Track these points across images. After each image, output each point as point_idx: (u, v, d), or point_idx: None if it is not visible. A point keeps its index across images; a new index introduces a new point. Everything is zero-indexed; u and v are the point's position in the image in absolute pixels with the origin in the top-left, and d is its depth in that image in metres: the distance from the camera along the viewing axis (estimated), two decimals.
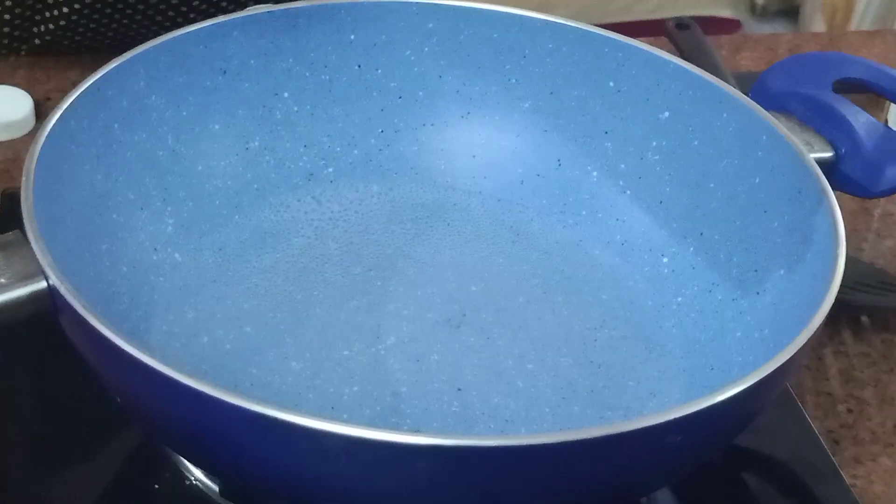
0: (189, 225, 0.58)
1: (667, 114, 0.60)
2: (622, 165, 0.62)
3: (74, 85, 0.53)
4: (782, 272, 0.54)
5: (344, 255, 0.59)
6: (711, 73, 0.59)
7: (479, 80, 0.63)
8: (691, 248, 0.59)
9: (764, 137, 0.56)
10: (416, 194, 0.63)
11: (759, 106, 0.57)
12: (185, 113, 0.59)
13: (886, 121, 0.77)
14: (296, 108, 0.62)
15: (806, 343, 0.45)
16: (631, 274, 0.60)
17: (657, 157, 0.61)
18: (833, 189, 0.53)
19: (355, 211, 0.62)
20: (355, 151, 0.63)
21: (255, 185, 0.61)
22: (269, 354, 0.54)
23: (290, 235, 0.60)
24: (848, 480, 0.55)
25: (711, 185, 0.59)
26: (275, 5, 0.61)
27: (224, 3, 0.79)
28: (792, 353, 0.44)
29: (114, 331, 0.41)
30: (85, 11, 0.77)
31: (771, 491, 0.55)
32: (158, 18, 0.79)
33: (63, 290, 0.43)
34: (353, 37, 0.62)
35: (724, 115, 0.58)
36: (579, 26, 0.61)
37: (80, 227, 0.52)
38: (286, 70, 0.61)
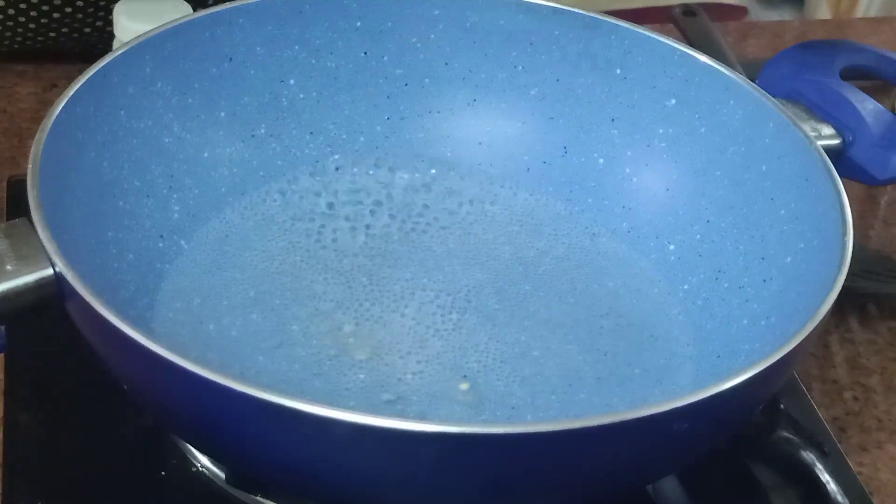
0: (195, 212, 0.58)
1: (673, 101, 0.60)
2: (628, 152, 0.62)
3: (80, 72, 0.53)
4: (789, 260, 0.53)
5: (350, 241, 0.59)
6: (718, 60, 0.59)
7: (486, 68, 0.63)
8: (698, 236, 0.59)
9: (771, 125, 0.56)
10: (421, 182, 0.63)
11: (765, 93, 0.57)
12: (190, 100, 0.59)
13: (893, 108, 0.77)
14: (302, 96, 0.62)
15: (813, 331, 0.45)
16: (637, 261, 0.60)
17: (663, 145, 0.61)
18: (840, 176, 0.53)
19: (361, 198, 0.62)
20: (361, 139, 0.63)
21: (261, 173, 0.61)
22: (276, 341, 0.54)
23: (296, 222, 0.60)
24: (854, 468, 0.55)
25: (718, 173, 0.59)
26: None
27: None
28: (799, 342, 0.44)
29: (120, 318, 0.41)
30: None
31: (776, 478, 0.55)
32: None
33: (70, 278, 0.43)
34: (359, 24, 0.62)
35: (731, 102, 0.58)
36: (586, 13, 0.61)
37: (86, 214, 0.52)
38: (292, 57, 0.61)
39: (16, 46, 0.76)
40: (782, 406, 0.57)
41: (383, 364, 0.53)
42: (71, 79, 0.52)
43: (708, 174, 0.59)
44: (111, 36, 0.67)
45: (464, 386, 0.52)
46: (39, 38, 0.76)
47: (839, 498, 0.54)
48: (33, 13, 0.74)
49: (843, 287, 0.47)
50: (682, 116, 0.60)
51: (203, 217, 0.59)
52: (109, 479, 0.51)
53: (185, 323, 0.54)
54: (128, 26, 0.65)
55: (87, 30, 0.76)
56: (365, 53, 0.63)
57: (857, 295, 0.66)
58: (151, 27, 0.57)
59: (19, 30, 0.75)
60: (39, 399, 0.54)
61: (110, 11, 0.72)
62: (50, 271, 0.44)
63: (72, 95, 0.51)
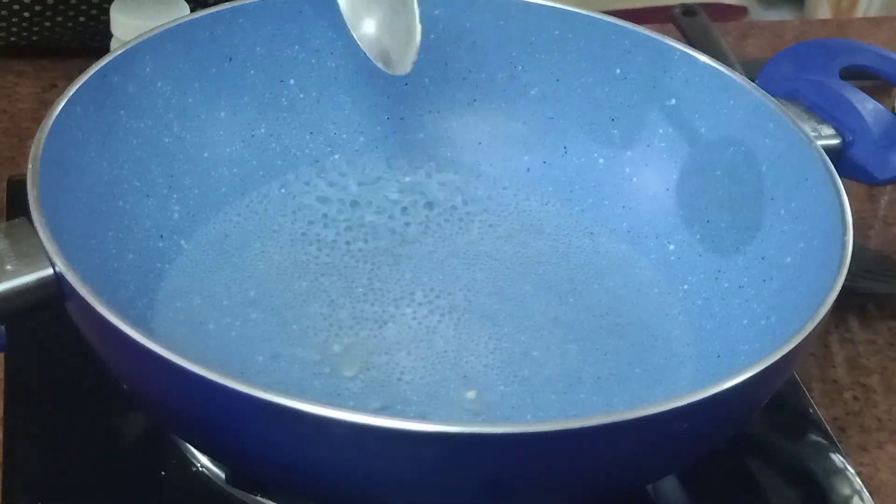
0: (195, 212, 0.58)
1: (673, 101, 0.60)
2: (628, 152, 0.62)
3: (80, 71, 0.53)
4: (789, 260, 0.53)
5: (350, 242, 0.59)
6: (718, 59, 0.59)
7: (486, 68, 0.63)
8: (698, 236, 0.59)
9: (771, 125, 0.56)
10: (421, 182, 0.63)
11: (765, 93, 0.57)
12: (190, 100, 0.59)
13: (893, 108, 0.77)
14: (302, 96, 0.62)
15: (813, 331, 0.45)
16: (637, 261, 0.60)
17: (663, 145, 0.61)
18: (840, 176, 0.53)
19: (361, 198, 0.62)
20: (361, 139, 0.63)
21: (261, 172, 0.61)
22: (275, 341, 0.54)
23: (295, 222, 0.60)
24: (854, 468, 0.55)
25: (718, 173, 0.59)
26: None
27: None
28: (799, 342, 0.44)
29: (120, 318, 0.41)
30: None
31: (776, 479, 0.55)
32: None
33: (70, 277, 0.43)
34: None
35: (731, 102, 0.58)
36: (586, 13, 0.61)
37: (87, 214, 0.52)
38: (292, 57, 0.61)
39: (12, 39, 0.76)
40: (782, 406, 0.57)
41: (383, 364, 0.53)
42: (71, 79, 0.52)
43: (708, 174, 0.59)
44: (108, 28, 0.67)
45: (470, 394, 0.52)
46: (35, 29, 0.76)
47: (839, 498, 0.54)
48: (26, 0, 0.74)
49: (843, 287, 0.47)
50: (682, 116, 0.60)
51: (203, 217, 0.59)
52: (109, 479, 0.51)
53: (185, 322, 0.54)
54: (124, 23, 0.65)
55: (82, 18, 0.76)
56: (365, 53, 0.62)
57: (857, 295, 0.66)
58: (148, 24, 0.57)
59: (14, 19, 0.75)
60: (39, 399, 0.54)
61: (106, 0, 0.72)
62: (50, 271, 0.44)
63: (72, 95, 0.51)
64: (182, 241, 0.57)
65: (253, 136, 0.61)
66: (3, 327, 0.47)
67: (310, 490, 0.45)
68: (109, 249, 0.53)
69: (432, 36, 0.63)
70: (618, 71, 0.61)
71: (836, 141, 0.59)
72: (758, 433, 0.56)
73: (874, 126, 0.59)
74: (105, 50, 0.68)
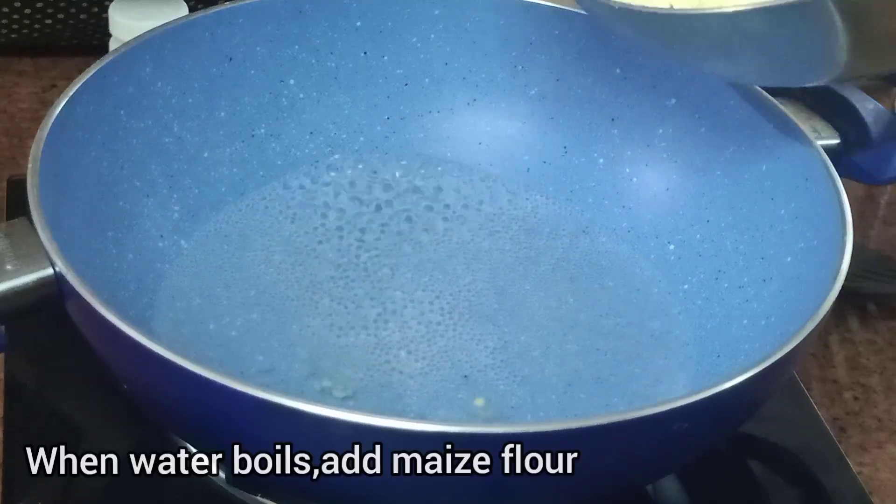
0: (195, 212, 0.58)
1: (673, 101, 0.60)
2: (628, 152, 0.62)
3: (80, 71, 0.53)
4: (789, 259, 0.53)
5: (350, 241, 0.59)
6: None
7: (486, 67, 0.63)
8: (698, 236, 0.59)
9: (770, 125, 0.56)
10: (421, 182, 0.63)
11: (765, 93, 0.57)
12: (190, 100, 0.59)
13: (893, 108, 0.77)
14: (301, 95, 0.62)
15: (812, 331, 0.45)
16: (637, 261, 0.60)
17: (664, 144, 0.61)
18: (840, 176, 0.53)
19: (361, 198, 0.62)
20: (361, 138, 0.63)
21: (261, 172, 0.61)
22: (275, 341, 0.54)
23: (295, 222, 0.60)
24: (854, 468, 0.55)
25: (718, 173, 0.59)
26: None
27: None
28: (798, 342, 0.44)
29: (120, 318, 0.41)
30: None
31: (776, 478, 0.55)
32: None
33: (70, 277, 0.43)
34: (359, 23, 0.62)
35: (731, 101, 0.58)
36: (586, 13, 0.61)
37: (87, 214, 0.52)
38: (292, 57, 0.61)
39: (13, 35, 0.76)
40: (782, 406, 0.57)
41: (383, 363, 0.53)
42: (71, 79, 0.52)
43: (708, 174, 0.59)
44: (108, 25, 0.67)
45: (479, 402, 0.52)
46: (36, 26, 0.76)
47: (839, 498, 0.54)
48: None
49: (843, 287, 0.47)
50: (682, 116, 0.60)
51: (203, 217, 0.59)
52: (109, 479, 0.51)
53: (185, 322, 0.54)
54: (123, 24, 0.65)
55: (83, 16, 0.75)
56: (365, 53, 0.63)
57: (857, 295, 0.66)
58: (147, 24, 0.57)
59: (15, 16, 0.75)
60: (39, 399, 0.54)
61: None
62: (50, 271, 0.44)
63: (72, 95, 0.51)
64: (182, 241, 0.57)
65: (253, 135, 0.61)
66: (2, 327, 0.47)
67: (310, 490, 0.45)
68: (109, 249, 0.53)
69: (432, 36, 0.63)
70: (618, 71, 0.61)
71: (836, 141, 0.59)
72: (758, 433, 0.56)
73: (874, 126, 0.59)
74: (105, 48, 0.68)
